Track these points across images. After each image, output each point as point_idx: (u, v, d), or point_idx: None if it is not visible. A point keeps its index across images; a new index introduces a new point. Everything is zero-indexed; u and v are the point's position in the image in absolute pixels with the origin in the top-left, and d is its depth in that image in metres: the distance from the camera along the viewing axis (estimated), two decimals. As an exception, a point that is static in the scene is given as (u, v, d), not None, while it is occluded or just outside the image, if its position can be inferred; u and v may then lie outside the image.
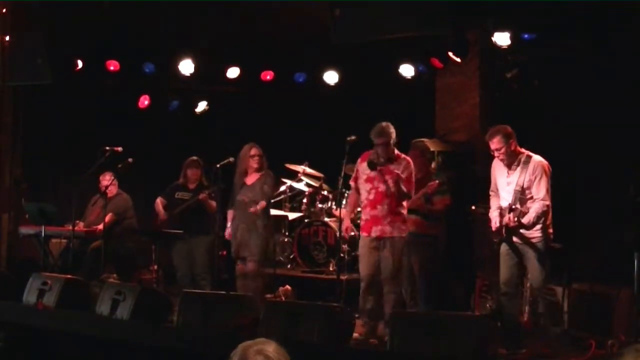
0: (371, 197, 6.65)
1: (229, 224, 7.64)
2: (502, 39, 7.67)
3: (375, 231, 6.58)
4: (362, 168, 6.71)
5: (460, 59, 8.35)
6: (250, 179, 7.53)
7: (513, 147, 5.91)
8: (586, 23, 7.25)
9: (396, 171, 6.56)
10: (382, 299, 6.58)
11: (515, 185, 5.87)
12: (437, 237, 7.38)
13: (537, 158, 5.91)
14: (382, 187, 6.59)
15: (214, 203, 7.91)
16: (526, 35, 7.88)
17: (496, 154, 5.97)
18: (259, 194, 7.44)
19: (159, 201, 8.28)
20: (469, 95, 9.10)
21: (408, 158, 6.74)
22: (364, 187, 6.71)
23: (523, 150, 5.97)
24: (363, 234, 6.70)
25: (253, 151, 7.51)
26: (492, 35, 7.70)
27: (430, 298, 7.19)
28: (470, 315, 6.29)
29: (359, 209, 8.17)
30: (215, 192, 7.78)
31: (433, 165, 8.01)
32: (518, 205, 5.84)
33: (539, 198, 5.83)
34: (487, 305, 7.17)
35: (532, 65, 8.19)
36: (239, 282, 7.47)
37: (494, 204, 6.12)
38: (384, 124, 6.63)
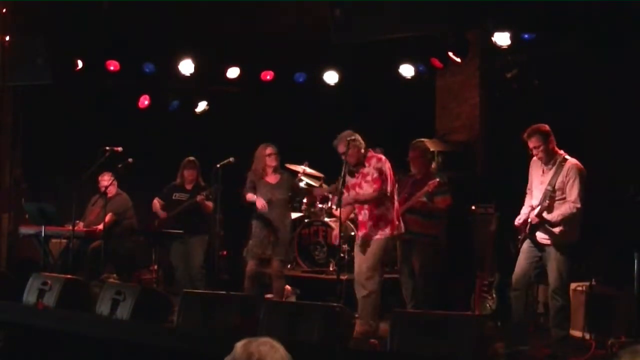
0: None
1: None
2: (502, 39, 7.66)
3: (361, 235, 6.74)
4: (348, 177, 6.81)
5: (460, 59, 8.35)
6: (273, 178, 7.53)
7: (551, 146, 5.90)
8: (586, 23, 7.24)
9: (368, 175, 6.63)
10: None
11: (547, 185, 5.87)
12: (437, 236, 7.37)
13: (572, 161, 5.90)
14: (361, 193, 6.72)
15: (210, 204, 7.93)
16: (526, 35, 7.87)
17: (535, 152, 5.95)
18: (286, 192, 7.51)
19: (156, 202, 8.29)
20: (469, 95, 9.10)
21: (379, 156, 6.73)
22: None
23: (561, 151, 5.94)
24: (357, 237, 6.89)
25: (269, 150, 7.51)
26: (492, 35, 7.69)
27: (430, 298, 7.19)
28: (470, 315, 6.29)
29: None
30: (212, 193, 7.79)
31: (433, 165, 8.01)
32: (546, 203, 5.85)
33: (571, 200, 5.82)
34: (487, 305, 7.16)
35: (532, 65, 8.19)
36: (247, 281, 7.44)
37: (527, 202, 6.10)
38: (343, 133, 6.68)
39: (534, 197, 6.02)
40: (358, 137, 6.67)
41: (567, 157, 5.92)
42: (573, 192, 5.82)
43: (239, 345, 2.58)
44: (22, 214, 9.06)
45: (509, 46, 7.74)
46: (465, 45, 8.26)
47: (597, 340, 6.00)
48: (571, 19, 7.26)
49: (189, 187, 8.22)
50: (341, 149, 6.64)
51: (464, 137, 9.09)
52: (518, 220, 6.03)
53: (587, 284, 6.67)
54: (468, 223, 8.10)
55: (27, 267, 8.18)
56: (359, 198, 6.69)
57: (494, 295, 7.13)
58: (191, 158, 8.26)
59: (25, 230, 8.79)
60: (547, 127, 5.93)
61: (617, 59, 7.41)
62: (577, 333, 6.56)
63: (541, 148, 5.90)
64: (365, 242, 6.67)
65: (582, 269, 6.82)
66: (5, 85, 9.05)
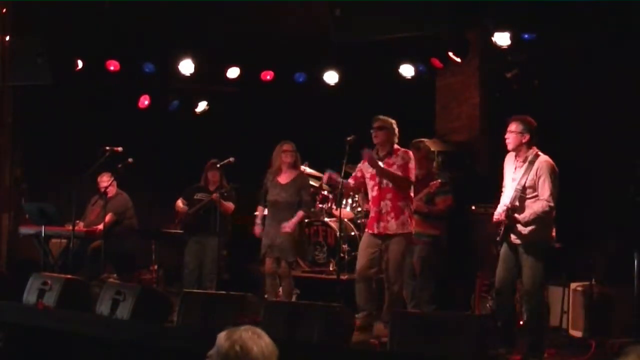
0: (374, 193, 6.71)
1: (258, 221, 7.59)
2: (502, 39, 7.66)
3: (379, 227, 6.62)
4: (365, 166, 6.76)
5: (460, 59, 8.35)
6: (285, 178, 7.46)
7: (526, 140, 5.78)
8: (586, 23, 7.25)
9: (395, 164, 6.61)
10: (376, 292, 6.66)
11: (517, 184, 5.81)
12: (438, 237, 7.37)
13: (543, 157, 5.77)
14: (384, 183, 6.64)
15: (229, 204, 7.93)
16: (526, 35, 7.87)
17: (507, 135, 5.83)
18: (293, 195, 7.36)
19: (179, 202, 8.30)
20: (469, 95, 9.10)
21: (408, 151, 6.77)
22: (369, 185, 6.79)
23: (535, 148, 5.83)
24: (367, 231, 6.77)
25: (286, 146, 7.48)
26: (492, 35, 7.69)
27: (431, 298, 7.19)
28: (470, 315, 6.29)
29: (359, 209, 8.21)
30: (229, 192, 7.82)
31: (435, 165, 8.01)
32: (517, 203, 5.78)
33: (544, 198, 5.69)
34: (487, 305, 7.16)
35: (532, 65, 8.18)
36: (268, 280, 7.43)
37: (502, 199, 5.96)
38: (386, 118, 6.76)
39: (505, 194, 5.91)
40: (394, 122, 6.72)
41: (539, 153, 5.80)
42: (545, 190, 5.68)
43: (222, 334, 2.57)
44: (22, 214, 9.06)
45: (509, 46, 7.73)
46: (465, 45, 8.26)
47: (597, 340, 5.99)
48: (571, 19, 7.26)
49: (212, 188, 8.23)
50: (376, 124, 6.68)
51: (464, 137, 9.08)
52: (495, 217, 5.90)
53: (587, 284, 6.67)
54: (468, 223, 8.09)
55: (27, 267, 8.18)
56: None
57: (494, 295, 7.13)
58: (214, 160, 8.21)
59: (25, 230, 8.80)
60: (534, 122, 5.85)
61: (617, 58, 7.41)
62: (577, 333, 6.56)
63: (515, 134, 5.78)
64: (385, 237, 6.60)
65: (583, 269, 6.82)
66: (5, 85, 9.05)
